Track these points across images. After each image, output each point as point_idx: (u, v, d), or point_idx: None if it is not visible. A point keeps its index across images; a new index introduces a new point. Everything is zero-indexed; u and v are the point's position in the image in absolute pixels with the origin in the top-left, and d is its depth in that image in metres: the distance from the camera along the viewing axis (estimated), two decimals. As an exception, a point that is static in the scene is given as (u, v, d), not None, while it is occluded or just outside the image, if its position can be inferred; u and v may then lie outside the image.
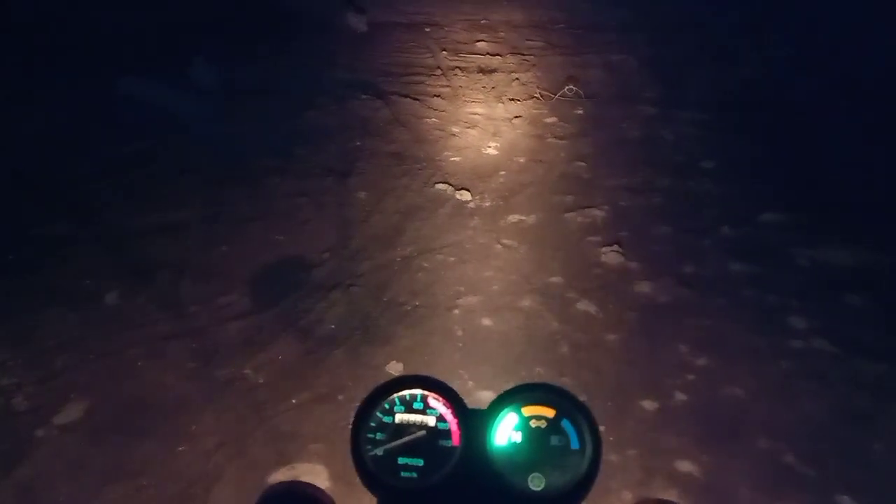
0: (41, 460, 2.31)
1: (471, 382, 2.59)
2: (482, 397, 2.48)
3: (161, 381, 2.64)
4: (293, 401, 2.55)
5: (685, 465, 2.31)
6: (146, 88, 4.70)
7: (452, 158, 4.15)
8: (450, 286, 3.15)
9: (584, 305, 3.04)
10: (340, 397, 2.56)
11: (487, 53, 5.59)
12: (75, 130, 4.37)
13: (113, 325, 2.89)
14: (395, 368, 2.68)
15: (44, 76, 5.01)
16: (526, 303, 3.05)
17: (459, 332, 2.89)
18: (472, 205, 3.72)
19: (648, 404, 2.55)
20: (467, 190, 3.82)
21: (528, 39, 5.84)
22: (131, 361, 2.71)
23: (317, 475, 2.24)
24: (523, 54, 5.56)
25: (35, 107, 4.64)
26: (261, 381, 2.65)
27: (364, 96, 4.82)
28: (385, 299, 3.07)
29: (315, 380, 2.65)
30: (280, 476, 2.24)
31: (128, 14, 5.99)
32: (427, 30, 6.02)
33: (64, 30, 5.69)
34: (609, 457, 2.29)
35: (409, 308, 3.02)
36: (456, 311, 3.00)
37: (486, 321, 2.94)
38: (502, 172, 4.00)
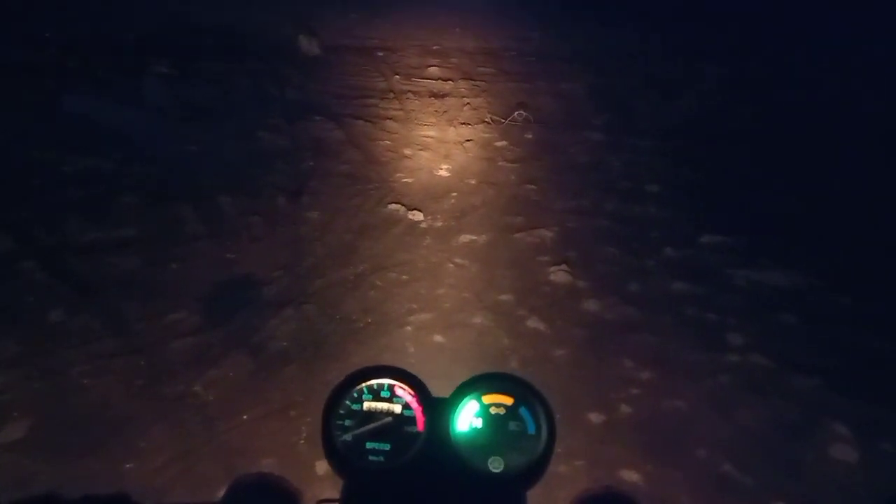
0: (-19, 479, 2.24)
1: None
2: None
3: (107, 398, 2.58)
4: (244, 417, 2.54)
5: (629, 475, 2.39)
6: (95, 105, 4.64)
7: (405, 180, 4.21)
8: (402, 303, 3.18)
9: (534, 322, 3.11)
10: (292, 413, 2.55)
11: (439, 78, 5.70)
12: (22, 146, 4.27)
13: (57, 342, 2.82)
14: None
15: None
16: (477, 320, 3.11)
17: (412, 349, 2.92)
18: (424, 225, 3.77)
19: (595, 417, 2.63)
20: (419, 210, 3.88)
21: (479, 66, 5.98)
22: (76, 379, 2.65)
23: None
24: (474, 80, 5.69)
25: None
26: (211, 397, 2.62)
27: (317, 118, 4.86)
28: (337, 316, 3.09)
29: (266, 396, 2.64)
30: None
31: (78, 31, 5.91)
32: (380, 54, 6.11)
33: (11, 45, 5.57)
34: (557, 468, 2.35)
35: (361, 325, 3.05)
36: (408, 328, 3.03)
37: (438, 338, 2.99)
38: (454, 194, 4.08)
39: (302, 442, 2.41)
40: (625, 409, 2.68)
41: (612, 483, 2.33)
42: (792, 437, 2.60)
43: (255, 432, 2.49)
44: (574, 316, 3.18)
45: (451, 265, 3.46)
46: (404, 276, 3.36)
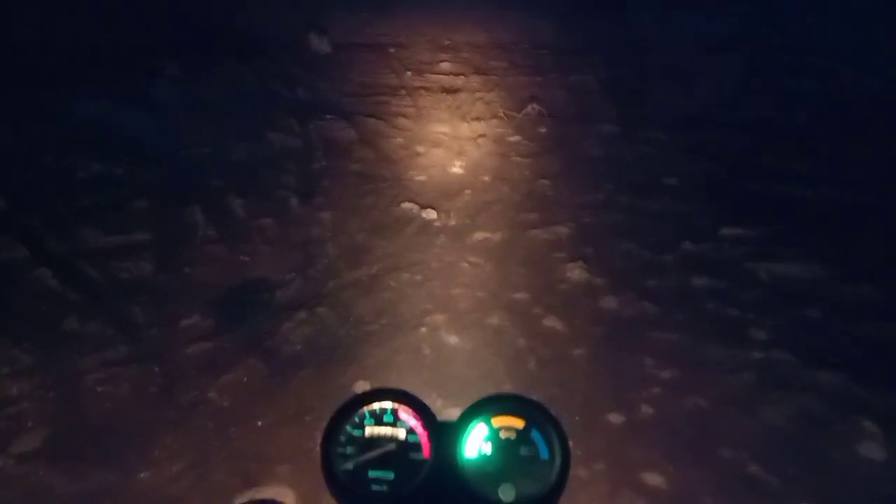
0: (-3, 491, 2.23)
1: (439, 400, 2.58)
2: (451, 415, 2.47)
3: (122, 406, 2.58)
4: (259, 423, 2.52)
5: (652, 477, 2.33)
6: (104, 109, 4.63)
7: (418, 177, 4.16)
8: (416, 304, 3.14)
9: (551, 321, 3.06)
10: (307, 418, 2.53)
11: (451, 74, 5.64)
12: (30, 152, 4.27)
13: (71, 350, 2.81)
14: (362, 388, 2.66)
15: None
16: (493, 320, 3.06)
17: (427, 351, 2.88)
18: (438, 223, 3.73)
19: (615, 418, 2.57)
20: (433, 208, 3.83)
21: (491, 60, 5.90)
22: (91, 387, 2.64)
23: (283, 498, 2.21)
24: (487, 74, 5.62)
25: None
26: (225, 403, 2.61)
27: (328, 117, 4.81)
28: (351, 319, 3.06)
29: (281, 401, 2.62)
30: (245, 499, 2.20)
31: (85, 33, 5.91)
32: (391, 51, 6.05)
33: (18, 49, 5.58)
34: (577, 471, 2.30)
35: (375, 327, 3.01)
36: (423, 329, 2.99)
37: (454, 339, 2.95)
38: (468, 191, 4.03)
39: (317, 448, 2.38)
40: (646, 408, 2.62)
41: (633, 487, 2.28)
42: (819, 434, 2.54)
43: (270, 438, 2.46)
44: (592, 314, 3.12)
45: (466, 264, 3.42)
46: (418, 277, 3.32)
